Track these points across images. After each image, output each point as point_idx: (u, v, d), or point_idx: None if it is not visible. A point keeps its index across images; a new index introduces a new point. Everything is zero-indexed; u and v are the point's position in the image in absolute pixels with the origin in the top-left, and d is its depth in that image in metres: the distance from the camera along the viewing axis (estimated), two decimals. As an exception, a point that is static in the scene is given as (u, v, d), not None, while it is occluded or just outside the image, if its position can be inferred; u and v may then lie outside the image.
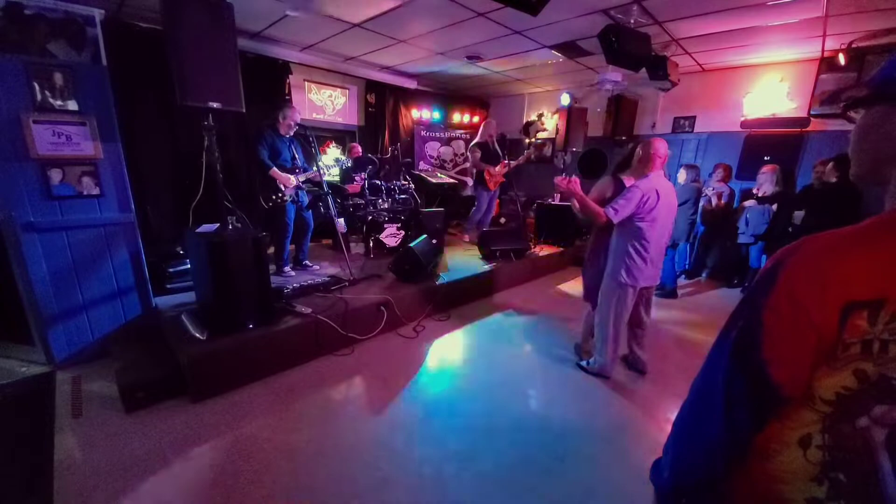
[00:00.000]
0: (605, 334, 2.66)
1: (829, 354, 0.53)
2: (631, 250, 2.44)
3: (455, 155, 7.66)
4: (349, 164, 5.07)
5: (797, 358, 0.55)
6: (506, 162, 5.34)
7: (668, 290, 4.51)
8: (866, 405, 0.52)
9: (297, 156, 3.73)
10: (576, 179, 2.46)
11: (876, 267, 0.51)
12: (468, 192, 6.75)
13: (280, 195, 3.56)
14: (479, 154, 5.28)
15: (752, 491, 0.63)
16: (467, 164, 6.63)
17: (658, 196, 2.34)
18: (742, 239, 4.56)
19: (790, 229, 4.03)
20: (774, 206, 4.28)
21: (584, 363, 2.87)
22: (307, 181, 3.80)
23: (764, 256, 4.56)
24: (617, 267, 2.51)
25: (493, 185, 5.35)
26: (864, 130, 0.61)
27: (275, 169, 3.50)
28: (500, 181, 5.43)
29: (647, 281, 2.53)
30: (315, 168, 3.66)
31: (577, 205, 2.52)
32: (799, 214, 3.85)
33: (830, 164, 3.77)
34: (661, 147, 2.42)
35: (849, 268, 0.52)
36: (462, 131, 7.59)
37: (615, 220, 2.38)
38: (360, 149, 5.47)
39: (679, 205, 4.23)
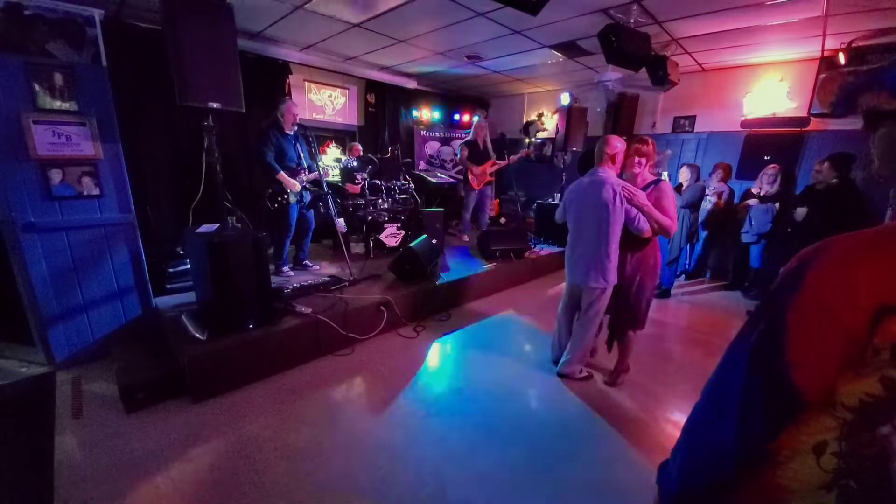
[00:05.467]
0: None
1: (856, 359, 0.51)
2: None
3: (455, 155, 7.67)
4: (354, 164, 5.05)
5: (823, 362, 0.53)
6: (493, 161, 5.35)
7: (662, 290, 4.51)
8: (890, 413, 0.50)
9: (302, 154, 3.72)
10: (638, 192, 2.33)
11: None
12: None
13: (286, 196, 3.56)
14: (466, 152, 5.30)
15: (758, 499, 0.60)
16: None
17: (573, 194, 2.49)
18: (746, 238, 4.55)
19: (788, 229, 4.03)
20: (777, 205, 4.28)
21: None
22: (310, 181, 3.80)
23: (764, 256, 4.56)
24: None
25: (476, 185, 5.35)
26: None
27: (282, 173, 3.48)
28: (486, 180, 5.44)
29: (571, 277, 2.63)
30: (317, 168, 3.66)
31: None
32: (801, 211, 3.83)
33: (826, 164, 3.76)
34: (613, 142, 2.39)
35: (883, 269, 0.50)
36: (462, 131, 7.60)
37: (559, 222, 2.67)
38: (360, 148, 5.49)
39: (686, 206, 4.26)
